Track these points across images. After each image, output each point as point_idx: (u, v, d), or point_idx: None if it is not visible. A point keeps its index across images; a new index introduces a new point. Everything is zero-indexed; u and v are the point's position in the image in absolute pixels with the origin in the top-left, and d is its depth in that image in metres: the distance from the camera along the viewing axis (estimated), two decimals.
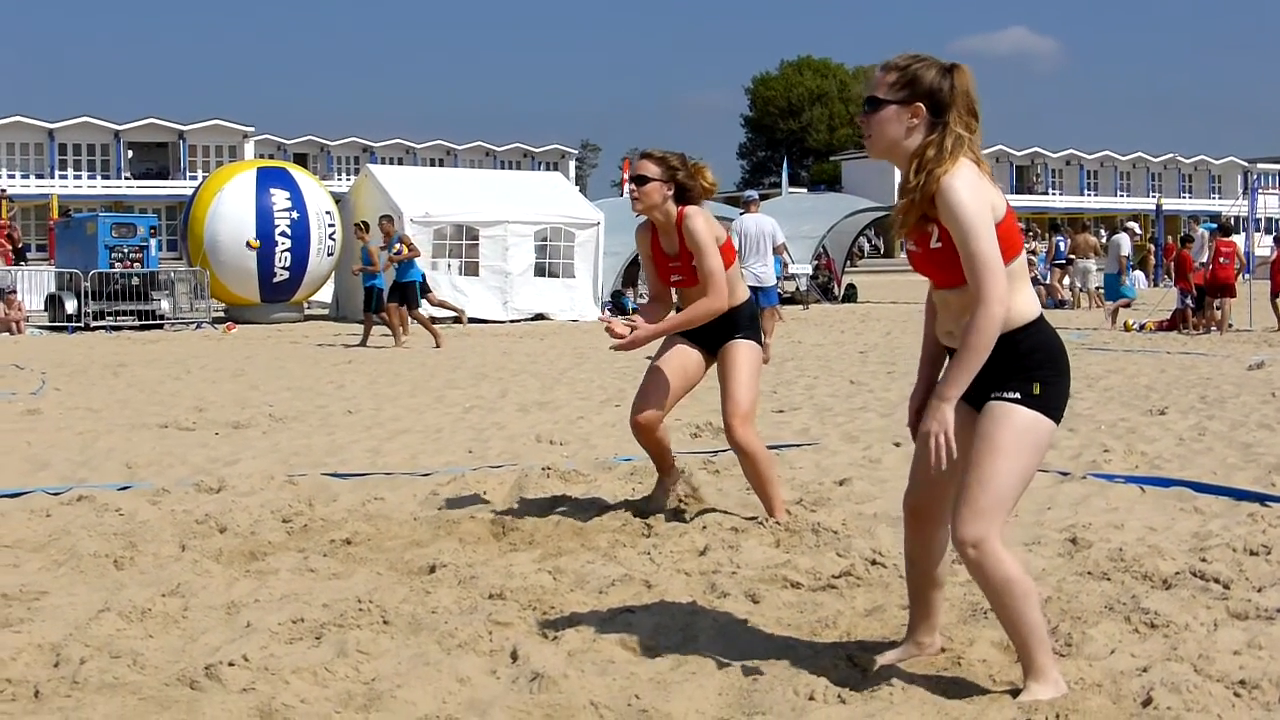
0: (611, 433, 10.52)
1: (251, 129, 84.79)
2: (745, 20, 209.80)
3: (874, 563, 6.15)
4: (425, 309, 22.47)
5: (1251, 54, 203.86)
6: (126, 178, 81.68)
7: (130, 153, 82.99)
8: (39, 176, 78.37)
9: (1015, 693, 4.35)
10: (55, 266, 30.72)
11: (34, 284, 30.11)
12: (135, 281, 27.81)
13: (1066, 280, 34.97)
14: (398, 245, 21.90)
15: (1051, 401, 4.27)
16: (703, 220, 6.84)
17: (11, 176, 76.33)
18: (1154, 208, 55.51)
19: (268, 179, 29.60)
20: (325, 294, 31.45)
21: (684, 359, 7.14)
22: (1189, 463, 9.04)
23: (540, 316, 28.80)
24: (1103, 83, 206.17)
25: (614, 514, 7.34)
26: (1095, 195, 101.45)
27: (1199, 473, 8.58)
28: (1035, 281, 31.49)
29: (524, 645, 4.88)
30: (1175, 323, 24.33)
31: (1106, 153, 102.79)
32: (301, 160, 77.08)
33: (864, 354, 19.28)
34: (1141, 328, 24.46)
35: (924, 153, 4.25)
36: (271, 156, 75.65)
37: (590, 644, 4.95)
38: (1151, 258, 44.72)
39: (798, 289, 36.20)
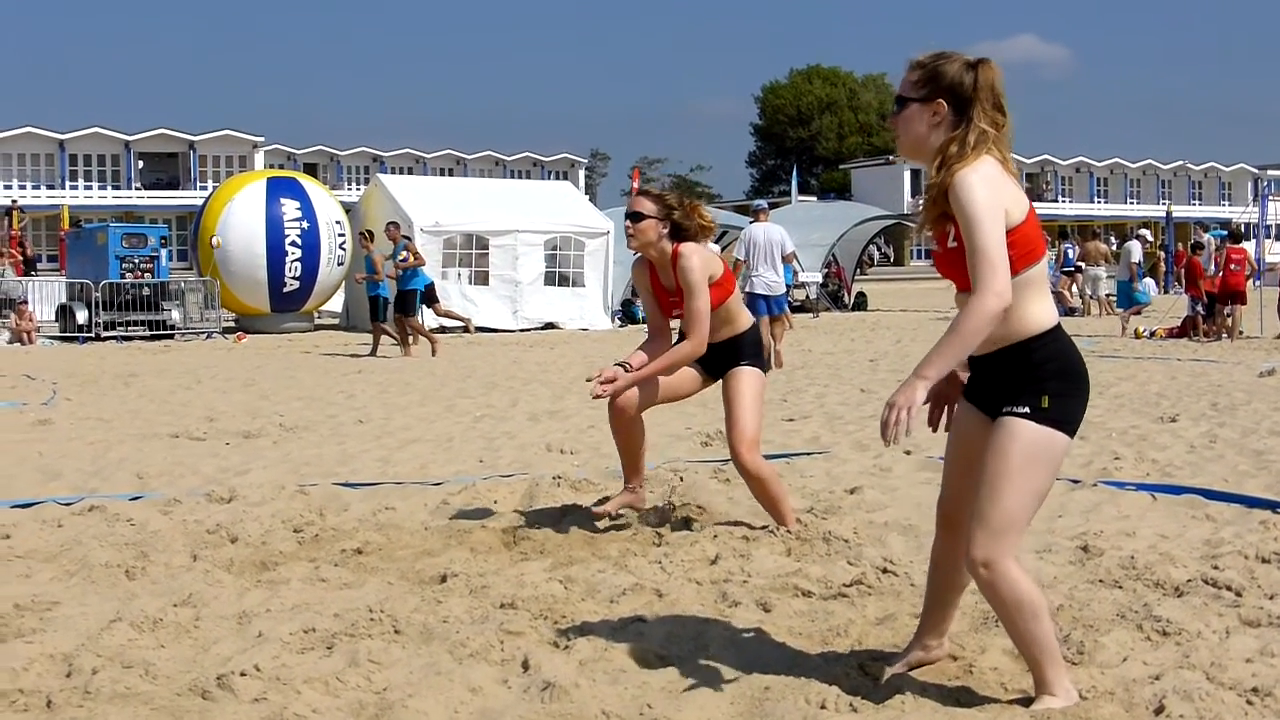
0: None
1: (261, 139, 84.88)
2: (754, 29, 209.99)
3: (885, 571, 6.15)
4: (431, 319, 22.50)
5: (1261, 60, 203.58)
6: (137, 188, 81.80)
7: (141, 163, 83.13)
8: (50, 187, 78.50)
9: (1027, 701, 4.35)
10: (66, 277, 30.77)
11: (45, 294, 30.17)
12: (146, 292, 27.85)
13: (1075, 287, 34.91)
14: (403, 253, 21.94)
15: (1063, 415, 4.21)
16: (698, 259, 6.81)
17: (23, 187, 76.44)
18: (1164, 215, 55.36)
19: (278, 189, 29.62)
20: (335, 304, 31.46)
21: (681, 378, 7.14)
22: (1200, 470, 9.02)
23: (550, 325, 28.79)
24: (1112, 90, 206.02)
25: (625, 523, 7.34)
26: (1105, 202, 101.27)
27: (1210, 480, 8.56)
28: None
29: (535, 655, 4.88)
30: (1186, 330, 24.29)
31: (1116, 160, 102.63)
32: (311, 170, 77.18)
33: (874, 362, 19.27)
34: (1152, 335, 24.42)
35: (946, 149, 4.22)
36: (281, 166, 75.74)
37: (602, 653, 4.95)
38: (1162, 265, 44.62)
39: (808, 297, 36.18)
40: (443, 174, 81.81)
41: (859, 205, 53.49)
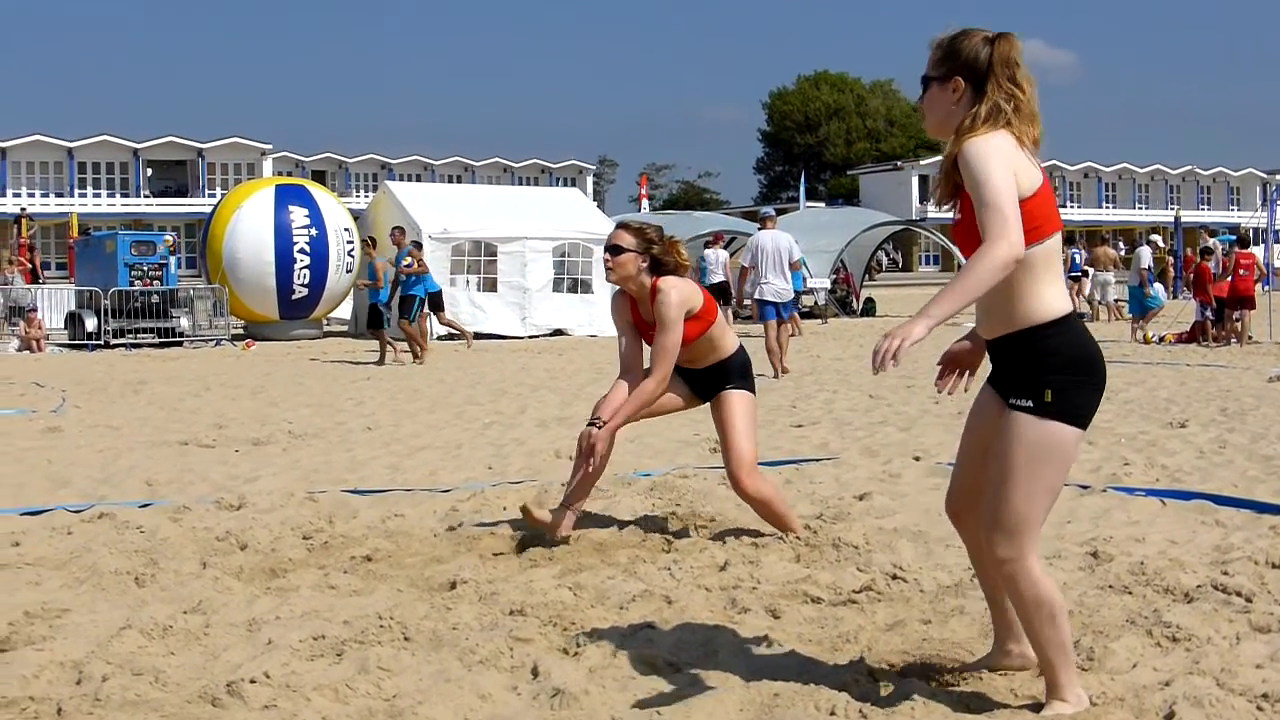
0: (630, 448, 10.51)
1: (270, 146, 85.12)
2: (762, 35, 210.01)
3: (894, 577, 6.14)
4: (437, 327, 22.48)
5: (1269, 65, 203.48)
6: (145, 196, 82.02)
7: (149, 171, 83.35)
8: (59, 195, 78.75)
9: (1037, 708, 4.34)
10: (75, 284, 30.83)
11: (54, 302, 30.23)
12: (155, 299, 27.88)
13: (1083, 292, 34.88)
14: (407, 258, 21.98)
15: (1068, 408, 4.15)
16: (676, 295, 6.77)
17: (31, 195, 76.69)
18: (1172, 220, 55.30)
19: (286, 196, 29.65)
20: (344, 311, 31.49)
21: (663, 398, 7.10)
22: (1210, 475, 9.01)
23: (559, 332, 28.80)
24: (1120, 95, 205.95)
25: (634, 529, 7.35)
26: (1113, 208, 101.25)
27: (1220, 485, 8.55)
28: None
29: (545, 661, 4.88)
30: (1195, 335, 24.25)
31: (1124, 165, 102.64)
32: (320, 177, 77.40)
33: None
34: (1161, 340, 24.39)
35: (961, 123, 4.20)
36: (290, 174, 75.94)
37: (611, 660, 4.95)
38: (1171, 270, 44.57)
39: (816, 303, 36.18)
40: (451, 181, 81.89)
41: (867, 211, 53.51)
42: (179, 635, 5.35)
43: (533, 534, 7.15)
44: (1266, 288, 26.33)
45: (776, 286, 17.76)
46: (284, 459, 10.56)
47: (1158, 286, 29.01)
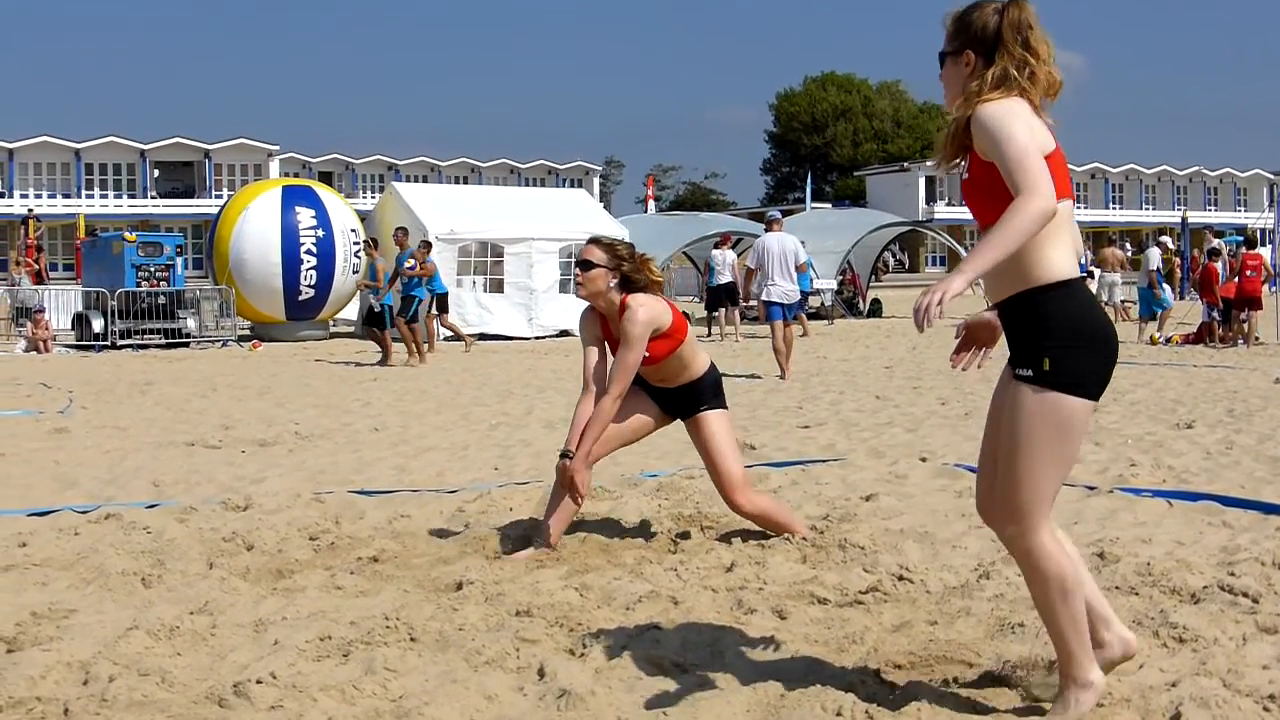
0: (636, 449, 10.49)
1: (276, 147, 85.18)
2: (769, 36, 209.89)
3: (901, 578, 6.14)
4: (435, 329, 22.48)
5: (1277, 65, 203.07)
6: (152, 197, 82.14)
7: (156, 172, 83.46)
8: (66, 196, 78.84)
9: (1041, 710, 4.34)
10: (82, 285, 30.85)
11: (61, 303, 30.25)
12: (161, 300, 27.90)
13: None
14: (409, 260, 21.98)
15: (1069, 376, 4.05)
16: (644, 314, 6.71)
17: (39, 196, 76.80)
18: (1179, 220, 55.26)
19: (293, 197, 29.65)
20: (350, 312, 31.50)
21: (634, 421, 7.06)
22: (1216, 476, 9.00)
23: (565, 333, 28.77)
24: (1127, 96, 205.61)
25: (640, 530, 7.35)
26: (1120, 209, 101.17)
27: (1227, 486, 8.55)
28: None
29: (551, 662, 4.88)
30: (1201, 336, 24.23)
31: (1131, 165, 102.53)
32: (326, 178, 77.39)
33: (889, 369, 19.25)
34: (1168, 341, 24.37)
35: (969, 87, 4.19)
36: (296, 175, 75.97)
37: (617, 660, 4.95)
38: (1178, 271, 44.52)
39: (822, 304, 36.18)
40: (457, 182, 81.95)
41: (874, 212, 53.50)
42: (186, 636, 5.35)
43: (539, 535, 7.15)
44: (1274, 289, 26.33)
45: (784, 288, 17.76)
46: (290, 460, 10.57)
47: (1166, 288, 28.97)
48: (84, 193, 79.96)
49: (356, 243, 29.52)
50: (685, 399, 7.04)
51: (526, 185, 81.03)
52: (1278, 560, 6.29)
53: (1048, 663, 4.52)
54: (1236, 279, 23.91)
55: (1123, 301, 32.67)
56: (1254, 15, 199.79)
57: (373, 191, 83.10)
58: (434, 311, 24.31)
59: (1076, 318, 4.08)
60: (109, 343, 26.92)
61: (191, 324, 28.13)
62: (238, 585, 6.26)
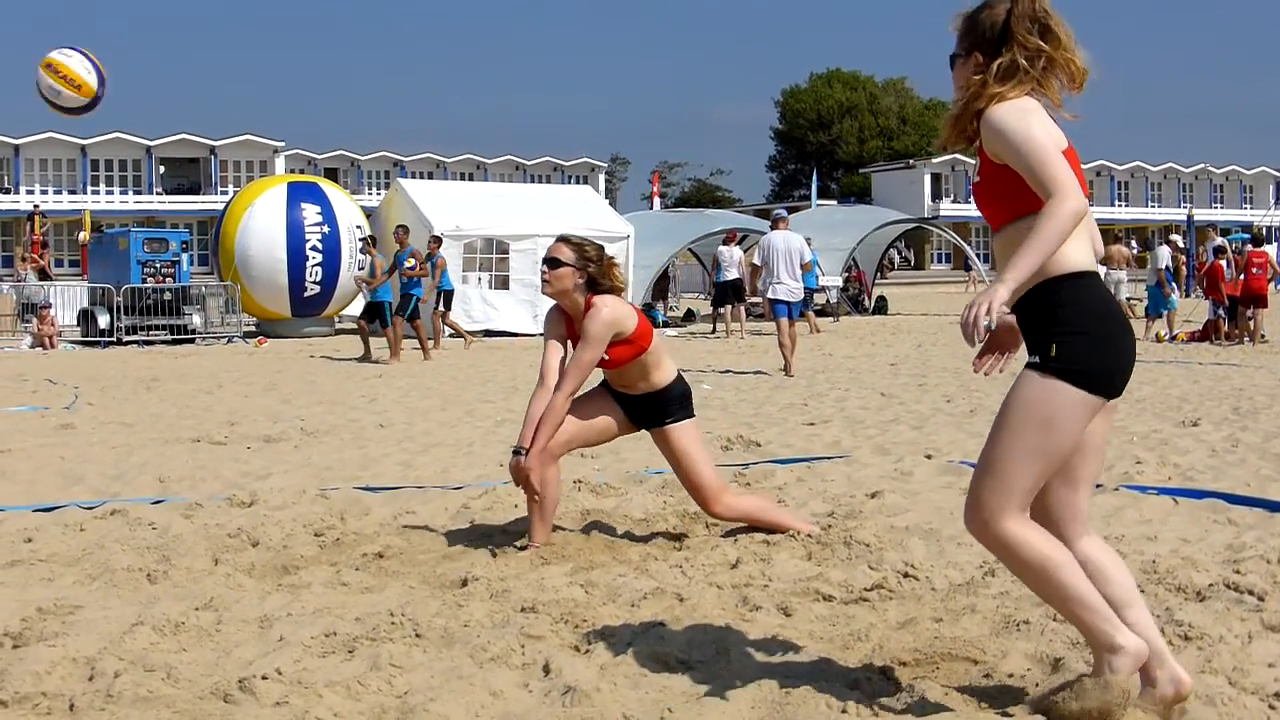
0: (641, 446, 10.50)
1: (282, 144, 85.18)
2: (775, 33, 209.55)
3: (906, 575, 6.13)
4: (430, 328, 22.47)
5: None
6: (158, 193, 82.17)
7: (162, 168, 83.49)
8: (71, 192, 78.86)
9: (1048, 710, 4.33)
10: (88, 281, 30.88)
11: (67, 299, 30.28)
12: (167, 296, 27.93)
13: None
14: (409, 259, 21.99)
15: (1072, 366, 3.92)
16: (608, 314, 6.70)
17: (44, 192, 76.85)
18: (1185, 218, 55.19)
19: (298, 193, 29.68)
20: (356, 308, 31.51)
21: (598, 422, 7.04)
22: (1222, 474, 8.99)
23: None
24: (1133, 93, 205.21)
25: (645, 527, 7.36)
26: (1126, 206, 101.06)
27: (1232, 484, 8.54)
28: None
29: (556, 659, 4.88)
30: (1207, 333, 24.22)
31: (1137, 163, 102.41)
32: (332, 175, 77.44)
33: (895, 366, 19.24)
34: (1173, 339, 24.35)
35: (971, 79, 4.10)
36: (302, 171, 76.07)
37: (622, 657, 4.95)
38: (1184, 269, 44.48)
39: (828, 301, 36.15)
40: (463, 179, 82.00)
41: (879, 209, 53.41)
42: (191, 632, 5.35)
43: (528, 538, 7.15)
44: (1279, 286, 26.26)
45: (789, 286, 17.77)
46: (296, 456, 10.58)
47: (1173, 286, 28.93)
48: (89, 189, 79.96)
49: (361, 239, 29.56)
50: (649, 409, 6.99)
51: (532, 182, 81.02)
52: None
53: (1053, 659, 4.52)
54: (1242, 276, 23.89)
55: (1129, 299, 32.61)
56: (1260, 12, 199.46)
57: (378, 188, 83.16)
58: (440, 308, 24.32)
59: (1089, 308, 3.98)
60: (115, 339, 26.97)
61: (197, 320, 28.16)
62: (243, 581, 6.27)
